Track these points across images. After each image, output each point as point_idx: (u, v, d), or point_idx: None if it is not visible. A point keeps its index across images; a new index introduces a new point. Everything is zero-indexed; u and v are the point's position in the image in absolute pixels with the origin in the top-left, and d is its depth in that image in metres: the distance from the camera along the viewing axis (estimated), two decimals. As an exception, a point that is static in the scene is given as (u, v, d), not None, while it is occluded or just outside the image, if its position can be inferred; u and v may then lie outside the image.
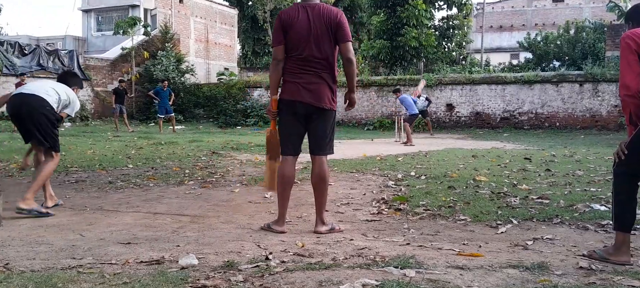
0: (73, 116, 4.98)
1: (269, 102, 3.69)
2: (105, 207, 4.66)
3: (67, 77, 5.04)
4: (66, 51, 22.71)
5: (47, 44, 25.79)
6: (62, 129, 16.87)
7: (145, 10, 28.87)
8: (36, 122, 4.32)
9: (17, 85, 15.22)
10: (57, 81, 4.79)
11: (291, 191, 3.78)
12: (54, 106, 4.45)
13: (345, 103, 3.76)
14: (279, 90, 3.67)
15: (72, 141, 11.91)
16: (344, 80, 3.75)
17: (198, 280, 2.48)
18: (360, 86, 21.53)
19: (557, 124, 18.89)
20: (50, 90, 4.49)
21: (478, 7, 34.48)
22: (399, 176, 6.37)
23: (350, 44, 3.59)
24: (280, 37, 3.56)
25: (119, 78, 20.70)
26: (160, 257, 2.91)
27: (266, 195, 5.01)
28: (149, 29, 25.36)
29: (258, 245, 3.23)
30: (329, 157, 3.78)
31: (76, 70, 22.06)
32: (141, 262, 2.84)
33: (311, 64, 3.54)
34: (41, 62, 20.66)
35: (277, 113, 3.69)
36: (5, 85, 17.80)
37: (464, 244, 3.28)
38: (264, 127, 17.94)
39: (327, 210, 4.12)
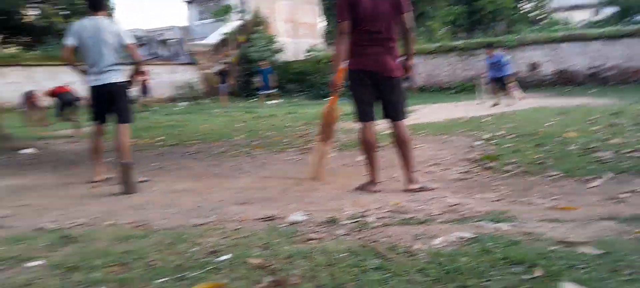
0: (132, 41, 4.72)
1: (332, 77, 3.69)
2: (221, 174, 4.93)
3: (98, 6, 4.64)
4: (174, 40, 23.93)
5: (158, 35, 27.29)
6: (177, 108, 17.92)
7: (240, -2, 29.57)
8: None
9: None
10: (92, 9, 4.57)
11: (379, 153, 3.80)
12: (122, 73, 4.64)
13: (404, 70, 3.74)
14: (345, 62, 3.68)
15: (188, 118, 12.64)
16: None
17: (306, 234, 2.58)
18: (442, 52, 20.84)
19: (646, 77, 17.17)
20: (113, 67, 4.57)
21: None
22: (486, 136, 6.14)
23: (410, 13, 3.62)
24: (347, 12, 3.56)
25: (222, 61, 21.54)
26: (271, 215, 3.04)
27: (358, 159, 5.03)
28: (242, 14, 26.04)
29: (356, 204, 3.27)
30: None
31: (184, 56, 23.26)
32: (256, 219, 2.98)
33: (376, 36, 3.56)
34: (154, 51, 21.96)
35: (341, 86, 3.73)
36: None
37: (555, 199, 3.13)
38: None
39: (417, 171, 4.10)
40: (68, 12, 20.07)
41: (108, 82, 4.54)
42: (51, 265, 2.19)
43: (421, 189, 3.61)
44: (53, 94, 10.28)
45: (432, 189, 3.63)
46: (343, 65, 3.70)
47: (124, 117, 4.66)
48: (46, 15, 19.96)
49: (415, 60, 9.26)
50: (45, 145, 8.37)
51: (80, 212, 3.44)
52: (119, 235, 2.67)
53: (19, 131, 9.62)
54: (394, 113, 3.68)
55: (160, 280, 1.95)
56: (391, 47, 3.62)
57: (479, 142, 5.71)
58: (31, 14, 20.21)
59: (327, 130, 3.89)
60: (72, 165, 6.09)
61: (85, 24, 4.53)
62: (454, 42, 21.51)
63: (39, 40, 19.48)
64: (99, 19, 4.55)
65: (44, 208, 3.63)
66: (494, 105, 11.54)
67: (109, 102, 4.62)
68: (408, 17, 3.60)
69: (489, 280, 1.82)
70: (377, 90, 3.65)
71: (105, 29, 4.51)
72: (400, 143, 3.68)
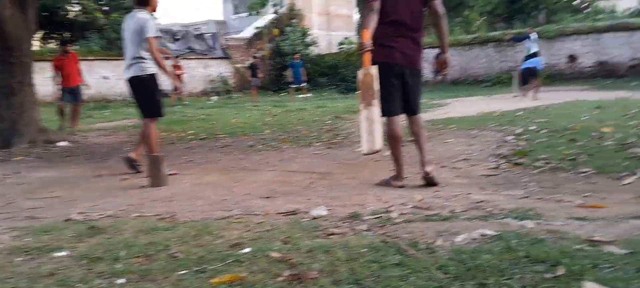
0: (153, 34, 4.50)
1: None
2: (248, 167, 4.99)
3: (138, 0, 4.64)
4: (210, 34, 24.24)
5: (194, 29, 27.72)
6: (210, 102, 18.19)
7: (275, -10, 29.66)
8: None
9: (173, 66, 16.62)
10: (135, 4, 4.62)
11: (403, 149, 3.80)
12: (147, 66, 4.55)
13: (437, 66, 3.71)
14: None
15: (218, 112, 12.82)
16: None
17: (327, 229, 2.58)
18: (477, 43, 20.43)
19: (696, 69, 16.37)
20: (136, 61, 4.55)
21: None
22: (518, 131, 6.00)
23: None
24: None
25: (253, 55, 21.75)
26: (295, 209, 3.07)
27: (386, 154, 4.99)
28: (277, 7, 26.15)
29: (379, 199, 3.27)
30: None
31: (218, 50, 23.55)
32: (279, 213, 3.01)
33: (404, 28, 3.51)
34: (190, 45, 22.32)
35: (369, 45, 3.36)
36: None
37: (585, 196, 3.03)
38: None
39: (444, 166, 4.05)
40: (107, 8, 20.61)
41: (130, 75, 4.59)
42: (77, 256, 2.27)
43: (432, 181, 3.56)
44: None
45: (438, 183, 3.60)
46: (369, 29, 3.42)
47: (144, 111, 4.64)
48: (87, 11, 20.55)
49: (450, 52, 9.08)
50: (82, 138, 8.66)
51: (108, 203, 3.56)
52: (145, 227, 2.75)
53: (55, 124, 9.93)
54: (414, 106, 3.70)
55: (182, 272, 2.00)
56: (419, 38, 3.59)
57: (510, 137, 5.59)
58: (73, 10, 20.84)
59: (367, 93, 3.46)
60: (104, 157, 6.29)
61: (126, 19, 4.68)
62: (491, 33, 21.02)
63: (79, 36, 20.11)
64: (135, 13, 4.58)
65: (74, 200, 3.77)
66: (534, 99, 11.35)
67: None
68: (437, 3, 3.50)
69: (510, 278, 1.78)
70: (402, 83, 3.61)
71: (133, 23, 4.55)
72: (418, 129, 3.70)
